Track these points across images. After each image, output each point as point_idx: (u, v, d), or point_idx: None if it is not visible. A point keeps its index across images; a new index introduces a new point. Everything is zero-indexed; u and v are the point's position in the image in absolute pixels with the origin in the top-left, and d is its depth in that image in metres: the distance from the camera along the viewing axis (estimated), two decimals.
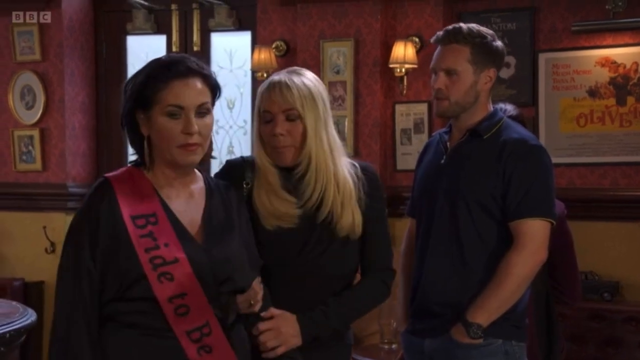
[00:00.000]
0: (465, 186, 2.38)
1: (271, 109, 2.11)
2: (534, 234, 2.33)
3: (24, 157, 5.49)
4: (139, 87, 1.91)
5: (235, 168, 2.19)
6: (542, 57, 4.75)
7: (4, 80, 5.49)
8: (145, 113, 1.91)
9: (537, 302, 2.84)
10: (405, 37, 4.85)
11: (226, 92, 5.52)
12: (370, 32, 4.91)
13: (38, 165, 5.45)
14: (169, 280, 1.84)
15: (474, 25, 2.44)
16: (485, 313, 2.31)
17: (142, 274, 1.84)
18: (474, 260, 2.37)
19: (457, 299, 2.38)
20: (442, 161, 2.47)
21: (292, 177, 2.15)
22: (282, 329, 2.06)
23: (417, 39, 4.89)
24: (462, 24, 2.44)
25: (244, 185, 2.15)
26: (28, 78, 5.43)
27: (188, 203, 1.97)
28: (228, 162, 2.25)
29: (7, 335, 3.04)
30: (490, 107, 2.50)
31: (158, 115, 1.89)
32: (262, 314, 2.05)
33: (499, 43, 2.45)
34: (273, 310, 2.07)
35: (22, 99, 5.46)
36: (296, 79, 2.13)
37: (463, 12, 4.89)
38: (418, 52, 4.84)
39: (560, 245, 2.75)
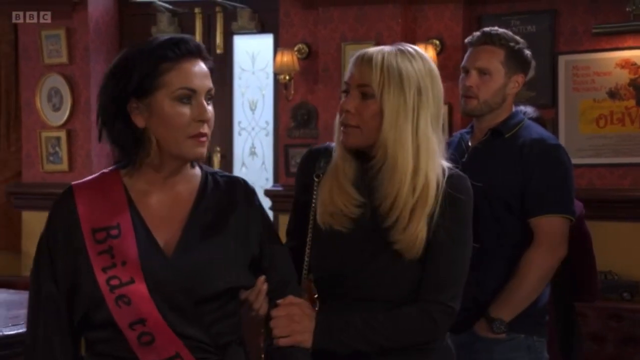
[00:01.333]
0: (487, 183, 2.42)
1: (349, 81, 1.85)
2: (554, 230, 2.39)
3: (51, 158, 5.59)
4: (139, 69, 1.60)
5: (310, 157, 1.94)
6: (562, 59, 4.77)
7: (32, 82, 5.60)
8: (142, 100, 1.61)
9: (557, 301, 2.88)
10: (426, 40, 4.88)
11: (248, 94, 5.60)
12: (391, 35, 4.95)
13: (65, 166, 5.55)
14: (126, 305, 1.58)
15: (509, 32, 2.52)
16: (508, 308, 2.37)
17: (100, 297, 1.58)
18: (494, 256, 2.42)
19: (475, 294, 2.42)
20: (464, 159, 2.52)
21: (369, 171, 1.84)
22: (296, 317, 1.76)
23: (437, 42, 4.92)
24: (498, 28, 2.52)
25: (315, 179, 1.89)
26: (55, 80, 5.53)
27: (170, 208, 1.67)
28: (309, 149, 2.01)
29: None
30: (513, 110, 2.57)
31: (164, 100, 1.60)
32: (278, 301, 1.76)
33: (529, 52, 2.54)
34: (292, 298, 1.78)
35: (50, 101, 5.56)
36: (390, 55, 1.81)
37: (483, 15, 4.92)
38: (438, 54, 4.87)
39: (579, 245, 2.78)
